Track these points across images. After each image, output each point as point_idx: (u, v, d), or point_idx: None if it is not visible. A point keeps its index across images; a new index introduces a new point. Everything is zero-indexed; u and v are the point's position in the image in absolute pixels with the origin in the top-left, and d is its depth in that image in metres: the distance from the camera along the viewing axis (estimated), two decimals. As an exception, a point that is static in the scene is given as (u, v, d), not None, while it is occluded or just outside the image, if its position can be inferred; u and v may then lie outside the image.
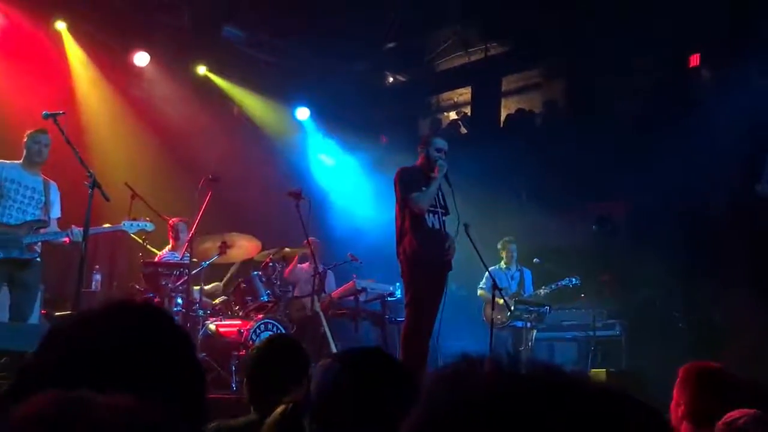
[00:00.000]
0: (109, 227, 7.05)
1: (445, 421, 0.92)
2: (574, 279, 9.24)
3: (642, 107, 10.26)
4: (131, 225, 7.16)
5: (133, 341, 1.36)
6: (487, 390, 0.92)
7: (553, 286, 9.31)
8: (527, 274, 9.75)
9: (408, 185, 6.48)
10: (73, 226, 6.59)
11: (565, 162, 10.18)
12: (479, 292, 9.53)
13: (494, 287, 6.98)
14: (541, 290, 9.39)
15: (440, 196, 6.70)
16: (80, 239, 6.24)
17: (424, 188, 6.47)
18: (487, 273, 9.36)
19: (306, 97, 11.95)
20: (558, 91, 11.86)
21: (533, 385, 0.92)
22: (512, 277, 9.63)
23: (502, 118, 12.18)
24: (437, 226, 6.54)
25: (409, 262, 6.40)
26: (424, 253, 6.37)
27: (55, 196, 6.83)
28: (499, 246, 9.76)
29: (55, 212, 6.83)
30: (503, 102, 12.39)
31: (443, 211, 6.67)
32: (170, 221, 8.41)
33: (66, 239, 6.59)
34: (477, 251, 6.68)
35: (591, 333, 8.95)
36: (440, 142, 6.71)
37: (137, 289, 7.68)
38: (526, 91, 12.38)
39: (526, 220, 10.38)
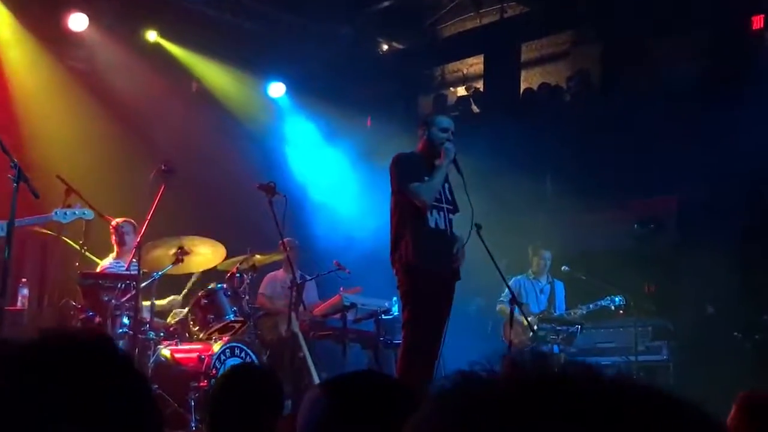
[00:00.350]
0: (35, 219, 7.02)
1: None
2: (617, 298, 9.24)
3: (694, 79, 10.27)
4: (64, 214, 7.14)
5: (67, 398, 1.24)
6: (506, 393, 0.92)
7: (591, 306, 9.32)
8: (559, 287, 9.78)
9: (407, 174, 6.41)
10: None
11: (600, 148, 10.19)
12: (498, 306, 9.54)
13: (513, 301, 6.96)
14: (576, 310, 9.39)
15: (447, 189, 6.64)
16: (2, 234, 6.18)
17: (426, 178, 6.43)
18: (511, 281, 9.49)
19: (281, 70, 11.93)
20: (590, 60, 11.84)
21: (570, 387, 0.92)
22: (541, 291, 9.69)
23: (522, 94, 12.18)
24: (442, 225, 6.48)
25: (407, 272, 6.35)
26: (425, 259, 6.31)
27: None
28: (530, 251, 9.83)
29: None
30: (523, 74, 12.38)
31: (450, 207, 6.61)
32: (113, 222, 8.35)
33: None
34: (492, 257, 6.65)
35: (632, 357, 8.95)
36: (445, 121, 6.67)
37: (73, 306, 7.64)
38: (551, 61, 12.37)
39: (551, 218, 10.39)
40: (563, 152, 10.52)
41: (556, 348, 9.06)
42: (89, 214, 7.34)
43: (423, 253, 6.31)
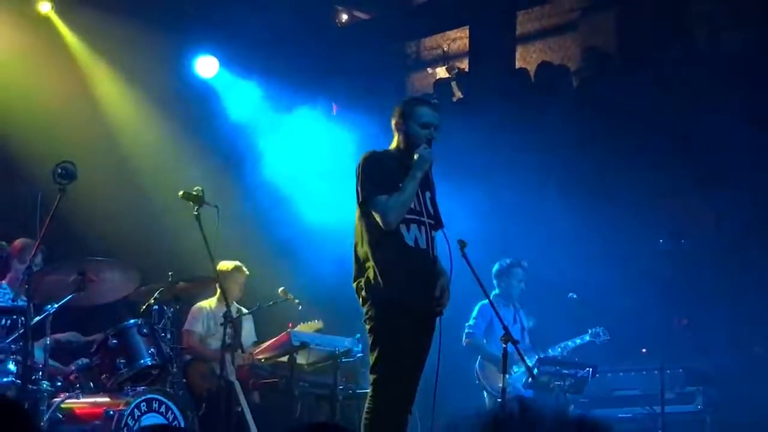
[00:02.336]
0: None
1: None
2: (600, 331, 9.35)
3: (742, 51, 10.38)
4: None
5: None
6: None
7: (569, 344, 9.37)
8: (523, 315, 9.85)
9: (374, 183, 6.32)
10: None
11: (618, 141, 10.29)
12: (465, 339, 9.58)
13: (507, 336, 6.99)
14: (548, 351, 9.50)
15: (427, 199, 6.60)
16: None
17: (401, 185, 6.35)
18: (477, 309, 9.60)
19: (212, 43, 11.94)
20: (605, 32, 11.98)
21: None
22: (514, 320, 9.68)
23: (518, 75, 12.28)
24: (424, 244, 6.39)
25: (375, 303, 6.29)
26: (400, 288, 6.22)
27: None
28: (495, 268, 9.80)
29: None
30: (519, 51, 12.49)
31: (432, 221, 6.58)
32: (15, 244, 8.37)
33: None
34: (478, 280, 6.70)
35: (658, 408, 9.03)
36: (427, 113, 6.53)
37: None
38: (554, 35, 12.50)
39: (554, 229, 10.44)
40: (569, 147, 10.60)
41: (562, 397, 9.10)
42: None
43: (397, 279, 6.23)
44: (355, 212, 6.49)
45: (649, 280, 9.96)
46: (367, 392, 7.80)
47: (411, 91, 13.47)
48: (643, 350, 9.67)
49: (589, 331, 9.44)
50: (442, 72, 13.37)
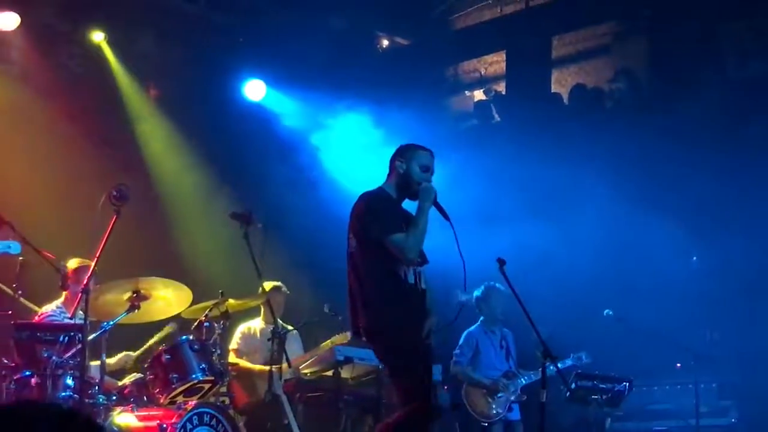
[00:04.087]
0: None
1: None
2: (582, 355, 9.37)
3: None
4: None
5: None
6: None
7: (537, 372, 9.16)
8: (510, 338, 9.92)
9: (385, 222, 6.46)
10: None
11: (653, 164, 10.25)
12: (452, 367, 9.65)
13: (546, 354, 6.97)
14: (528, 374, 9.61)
15: None
16: None
17: (403, 225, 6.48)
18: (463, 337, 9.76)
19: (260, 68, 12.05)
20: (637, 56, 11.95)
21: None
22: (501, 344, 9.86)
23: (553, 98, 12.27)
24: (412, 280, 6.55)
25: (378, 341, 6.51)
26: (400, 326, 6.37)
27: None
28: (479, 294, 9.84)
29: None
30: (555, 75, 12.48)
31: (419, 259, 6.64)
32: (72, 264, 8.46)
33: None
34: (518, 299, 6.73)
35: (693, 421, 8.98)
36: (426, 157, 6.74)
37: (5, 364, 7.68)
38: (588, 58, 12.47)
39: (588, 245, 10.41)
40: (605, 168, 10.55)
41: (598, 411, 9.08)
42: (15, 247, 7.40)
43: (396, 318, 6.38)
44: (348, 253, 6.60)
45: (683, 296, 9.92)
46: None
47: (450, 113, 13.47)
48: (678, 365, 9.61)
49: (571, 355, 9.50)
50: (479, 95, 13.37)
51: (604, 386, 9.02)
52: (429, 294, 6.66)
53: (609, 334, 9.74)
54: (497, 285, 9.49)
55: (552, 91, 12.34)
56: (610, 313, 9.66)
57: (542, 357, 7.01)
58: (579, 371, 9.15)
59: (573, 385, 8.66)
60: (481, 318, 9.86)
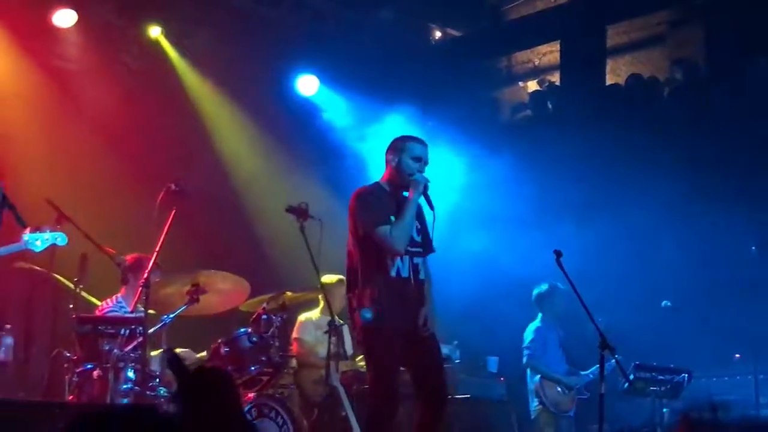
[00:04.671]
0: (4, 249, 7.19)
1: None
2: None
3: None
4: (36, 241, 7.35)
5: None
6: None
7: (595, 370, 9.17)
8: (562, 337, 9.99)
9: (373, 215, 6.66)
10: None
11: (710, 154, 10.16)
12: (526, 359, 9.80)
13: (604, 345, 6.94)
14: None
15: (415, 228, 6.86)
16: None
17: (393, 218, 6.63)
18: (532, 330, 9.82)
19: (312, 63, 12.08)
20: (693, 44, 11.84)
21: None
22: (560, 344, 9.98)
23: (608, 88, 12.18)
24: (405, 273, 6.71)
25: (364, 328, 6.63)
26: (383, 317, 6.53)
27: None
28: (535, 294, 9.88)
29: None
30: (609, 64, 12.40)
31: (418, 250, 6.82)
32: (131, 258, 8.55)
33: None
34: (576, 292, 6.70)
35: (752, 413, 8.89)
36: (418, 148, 6.89)
37: (67, 357, 7.75)
38: (644, 47, 12.38)
39: (647, 237, 10.34)
40: (662, 159, 10.48)
41: (657, 403, 9.03)
42: (62, 239, 7.51)
43: (381, 309, 6.53)
44: (347, 242, 6.87)
45: (744, 287, 9.83)
46: (466, 396, 7.95)
47: (503, 104, 13.43)
48: (737, 355, 9.51)
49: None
50: (533, 86, 13.32)
51: (662, 378, 8.97)
52: (428, 283, 6.86)
53: (667, 325, 9.69)
54: (558, 284, 9.48)
55: (606, 80, 12.24)
56: (668, 304, 9.62)
57: (600, 348, 7.00)
58: (637, 363, 9.09)
59: (632, 377, 8.59)
60: (540, 315, 9.92)
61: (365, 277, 6.63)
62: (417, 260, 6.78)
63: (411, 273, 6.71)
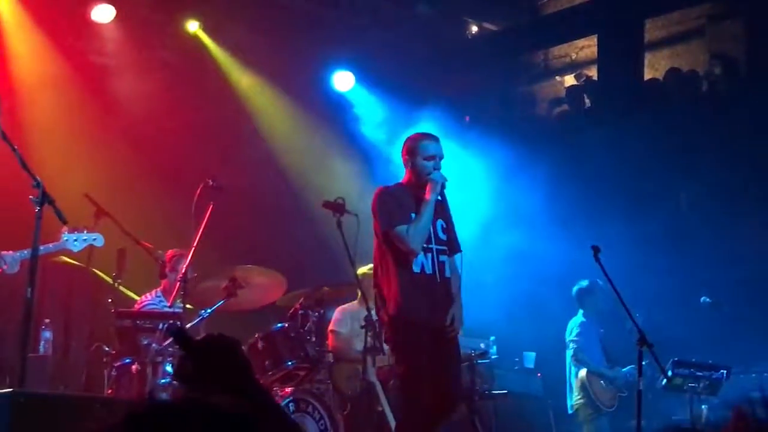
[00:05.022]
0: (44, 247, 7.24)
1: None
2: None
3: None
4: (74, 241, 7.40)
5: None
6: None
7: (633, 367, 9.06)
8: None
9: (391, 214, 6.68)
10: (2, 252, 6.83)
11: (750, 148, 10.09)
12: (573, 353, 9.73)
13: (642, 341, 6.92)
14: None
15: (438, 226, 6.86)
16: (15, 270, 6.41)
17: (413, 216, 6.64)
18: (577, 325, 9.72)
19: (347, 59, 12.09)
20: (732, 38, 11.75)
21: None
22: (600, 340, 9.90)
23: (647, 82, 12.11)
24: (430, 270, 6.70)
25: (392, 325, 6.65)
26: (409, 311, 6.55)
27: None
28: (576, 290, 9.85)
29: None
30: (648, 58, 12.32)
31: (442, 248, 6.81)
32: (169, 253, 8.59)
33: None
34: (614, 288, 6.68)
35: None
36: (431, 147, 6.86)
37: (106, 351, 7.81)
38: (682, 41, 12.29)
39: (686, 238, 10.28)
40: (702, 155, 10.42)
41: (696, 399, 8.98)
42: (99, 240, 7.59)
43: (407, 304, 6.55)
44: (374, 244, 6.86)
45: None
46: (503, 392, 7.92)
47: (540, 99, 13.39)
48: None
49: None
50: (570, 80, 13.26)
51: (701, 374, 8.92)
52: (456, 282, 6.83)
53: (706, 321, 9.63)
54: (599, 281, 9.47)
55: (644, 75, 12.17)
56: (707, 300, 9.59)
57: (639, 345, 6.98)
58: (676, 359, 9.04)
59: (670, 373, 8.55)
60: (581, 311, 9.86)
61: (390, 273, 6.65)
62: (443, 258, 6.77)
63: (436, 270, 6.71)
